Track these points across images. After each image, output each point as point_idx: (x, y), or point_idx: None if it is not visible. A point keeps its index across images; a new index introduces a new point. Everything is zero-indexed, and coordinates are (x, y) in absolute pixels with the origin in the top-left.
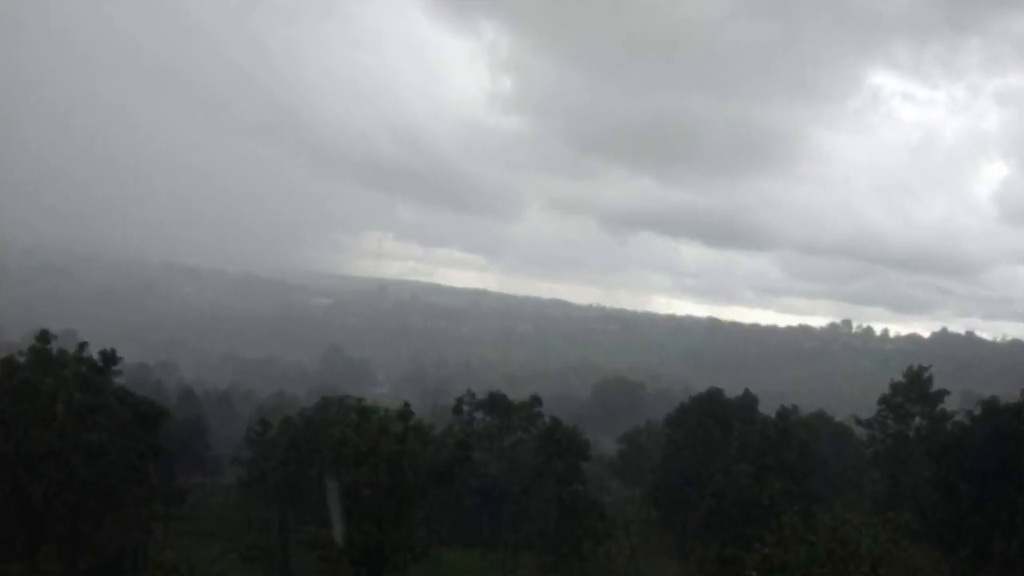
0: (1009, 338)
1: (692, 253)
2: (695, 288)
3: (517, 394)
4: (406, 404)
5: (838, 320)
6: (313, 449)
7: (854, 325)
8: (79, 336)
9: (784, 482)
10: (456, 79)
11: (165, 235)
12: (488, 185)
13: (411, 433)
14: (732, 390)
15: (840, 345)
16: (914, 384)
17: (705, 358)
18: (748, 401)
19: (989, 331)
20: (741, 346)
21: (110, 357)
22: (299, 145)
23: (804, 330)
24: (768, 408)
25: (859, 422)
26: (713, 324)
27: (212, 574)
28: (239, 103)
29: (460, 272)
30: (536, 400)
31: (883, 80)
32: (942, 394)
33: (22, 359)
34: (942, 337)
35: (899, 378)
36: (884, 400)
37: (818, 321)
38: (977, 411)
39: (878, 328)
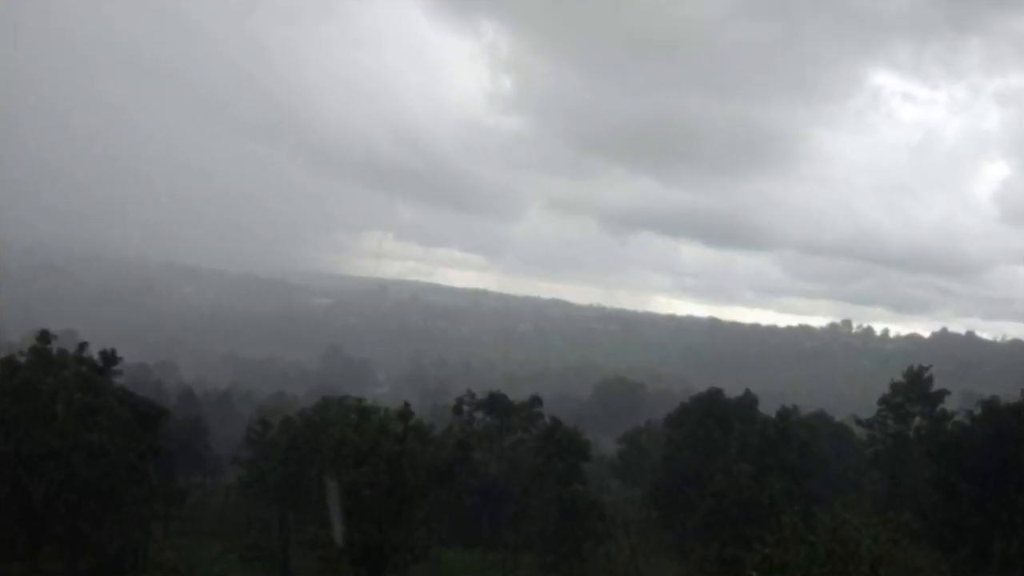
0: (1009, 338)
1: (692, 253)
2: (695, 288)
3: (517, 394)
4: (406, 404)
5: (838, 320)
6: (313, 449)
7: (854, 325)
8: (79, 336)
9: (784, 482)
10: (456, 79)
11: (165, 235)
12: (488, 185)
13: (411, 433)
14: (732, 390)
15: (840, 345)
16: (914, 384)
17: (705, 358)
18: (748, 401)
19: (989, 331)
20: (741, 346)
21: (110, 357)
22: (299, 145)
23: (804, 330)
24: (768, 408)
25: (859, 422)
26: (713, 324)
27: (212, 574)
28: (239, 103)
29: (460, 272)
30: (536, 400)
31: (883, 80)
32: (942, 394)
33: (22, 359)
34: (942, 337)
35: (899, 378)
36: (884, 400)
37: (818, 321)
38: (977, 411)
39: (878, 328)
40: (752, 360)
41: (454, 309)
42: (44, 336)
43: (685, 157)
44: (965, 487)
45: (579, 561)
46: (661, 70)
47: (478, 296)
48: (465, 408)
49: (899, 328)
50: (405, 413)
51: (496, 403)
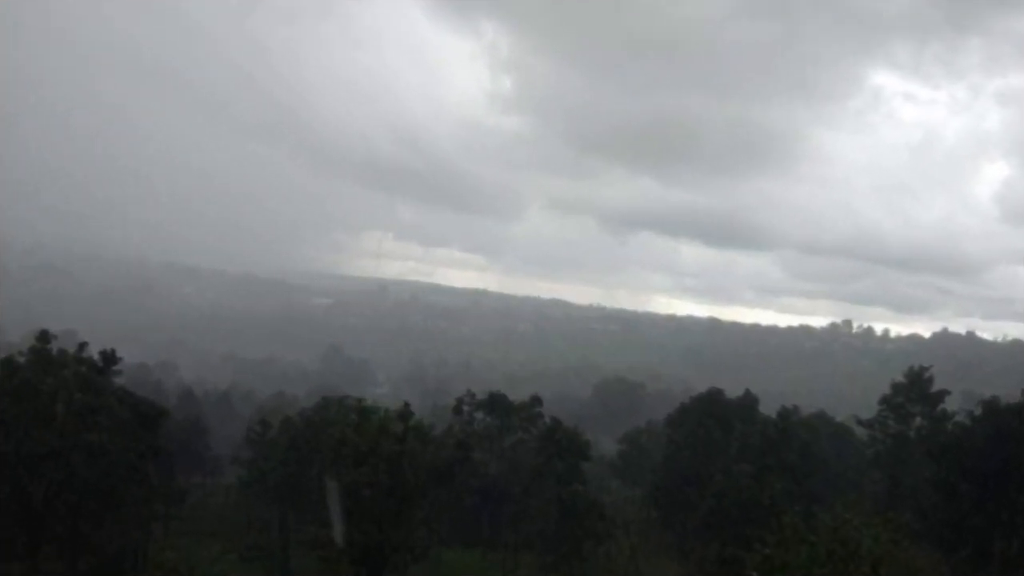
0: (1010, 338)
1: (692, 253)
2: (695, 288)
3: (517, 394)
4: (406, 404)
5: (839, 320)
6: (313, 449)
7: (855, 325)
8: (79, 336)
9: (785, 482)
10: (456, 79)
11: (165, 235)
12: (488, 185)
13: (411, 433)
14: (732, 390)
15: (840, 345)
16: (915, 384)
17: (705, 358)
18: (748, 401)
19: (990, 331)
20: (741, 346)
21: (110, 357)
22: (299, 145)
23: (804, 330)
24: (769, 408)
25: (860, 422)
26: (713, 324)
27: (212, 574)
28: (239, 103)
29: (460, 272)
30: (536, 400)
31: (884, 80)
32: (943, 394)
33: (22, 359)
34: (943, 337)
35: (900, 378)
36: (885, 400)
37: (818, 321)
38: (978, 411)
39: (879, 328)
40: (752, 360)
41: (454, 309)
42: (44, 336)
43: (685, 157)
44: (966, 487)
45: (579, 561)
46: (661, 70)
47: (478, 296)
48: (465, 408)
49: (899, 328)
50: (405, 413)
51: (496, 403)
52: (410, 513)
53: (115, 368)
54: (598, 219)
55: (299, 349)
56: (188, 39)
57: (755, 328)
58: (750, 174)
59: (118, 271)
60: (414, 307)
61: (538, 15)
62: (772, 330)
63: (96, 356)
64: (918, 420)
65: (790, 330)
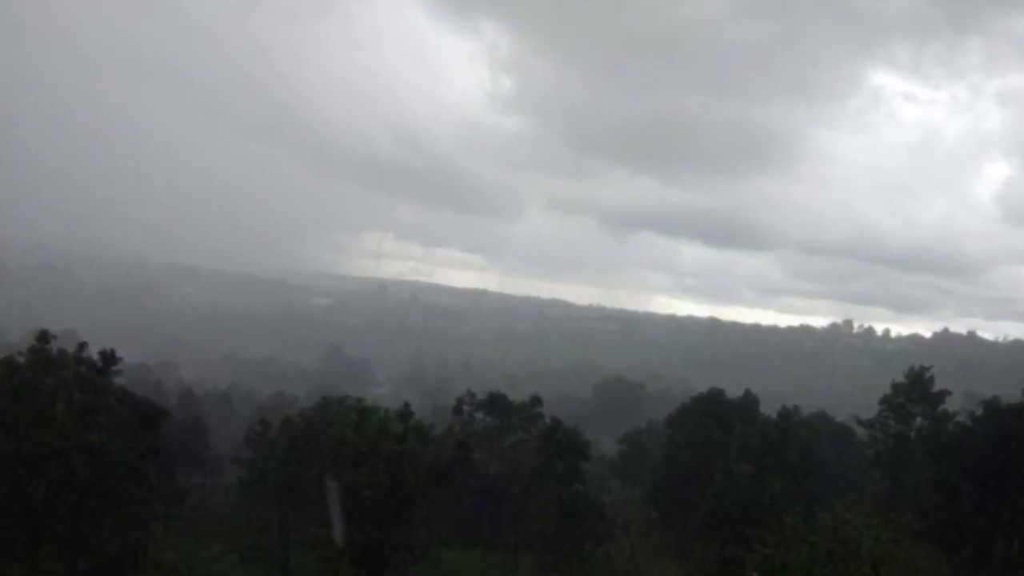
0: (1011, 338)
1: (692, 253)
2: (695, 288)
3: (517, 394)
4: (406, 404)
5: (839, 320)
6: (313, 449)
7: (855, 325)
8: (79, 336)
9: (785, 482)
10: (456, 79)
11: (165, 235)
12: (488, 185)
13: (411, 433)
14: (733, 390)
15: (841, 345)
16: (915, 384)
17: (706, 358)
18: (749, 401)
19: (991, 331)
20: (742, 346)
21: (110, 357)
22: (299, 145)
23: (805, 330)
24: (769, 408)
25: (860, 422)
26: (714, 324)
27: (212, 574)
28: (239, 103)
29: (460, 272)
30: (536, 400)
31: (884, 80)
32: (943, 394)
33: (22, 359)
34: (943, 337)
35: (900, 378)
36: (885, 400)
37: (819, 321)
38: (979, 411)
39: (879, 328)
40: (753, 360)
41: (454, 309)
42: (44, 336)
43: (685, 157)
44: (966, 487)
45: (579, 561)
46: (661, 70)
47: (478, 296)
48: (465, 408)
49: (900, 328)
50: (405, 413)
51: (496, 403)
52: (410, 513)
53: (115, 368)
54: (598, 219)
55: (299, 349)
56: (188, 39)
57: (755, 328)
58: (750, 174)
59: (118, 271)
60: (414, 307)
61: (538, 15)
62: (772, 330)
63: (96, 356)
64: (919, 420)
65: (790, 330)
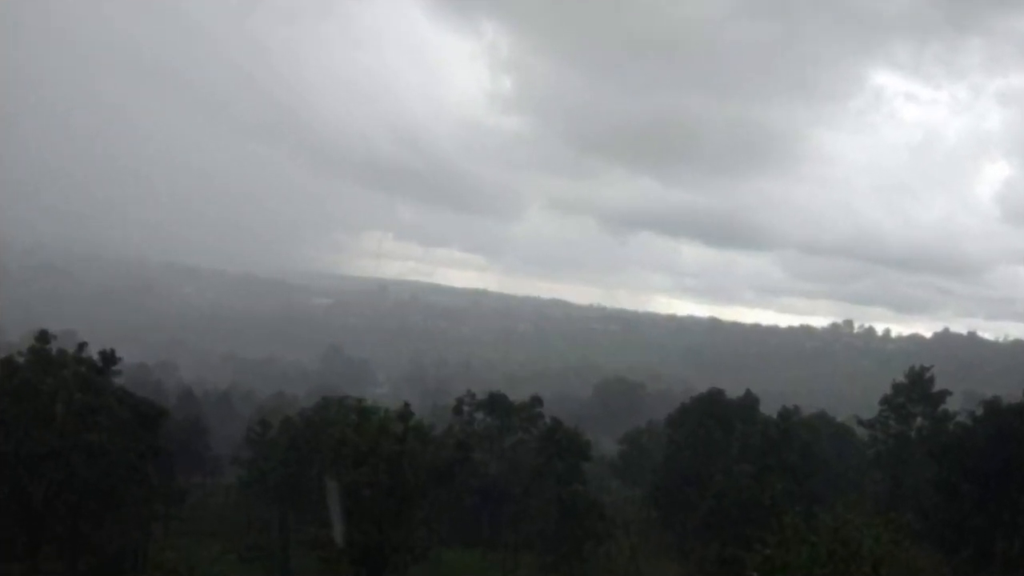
0: (1011, 338)
1: (693, 253)
2: (696, 288)
3: (517, 394)
4: (406, 404)
5: (839, 320)
6: (313, 449)
7: (855, 325)
8: (79, 336)
9: (785, 482)
10: (456, 79)
11: (165, 235)
12: (488, 185)
13: (411, 433)
14: (733, 390)
15: (841, 345)
16: (916, 384)
17: (706, 358)
18: (749, 401)
19: (991, 331)
20: (742, 346)
21: (110, 357)
22: (299, 145)
23: (805, 330)
24: (769, 408)
25: (861, 422)
26: (714, 324)
27: (212, 574)
28: (239, 103)
29: (460, 272)
30: (536, 400)
31: (885, 80)
32: (944, 394)
33: (22, 359)
34: (944, 337)
35: (901, 378)
36: (886, 400)
37: (819, 321)
38: (979, 411)
39: (880, 328)
40: (753, 360)
41: (454, 309)
42: (43, 336)
43: (685, 157)
44: (967, 488)
45: (579, 561)
46: (661, 70)
47: (478, 296)
48: (465, 408)
49: (900, 328)
50: (405, 413)
51: (496, 403)
52: (410, 513)
53: (115, 368)
54: (598, 219)
55: (299, 349)
56: (188, 39)
57: (756, 328)
58: (750, 174)
59: (118, 271)
60: (414, 307)
61: (538, 15)
62: (773, 330)
63: (96, 356)
64: (919, 420)
65: (791, 330)
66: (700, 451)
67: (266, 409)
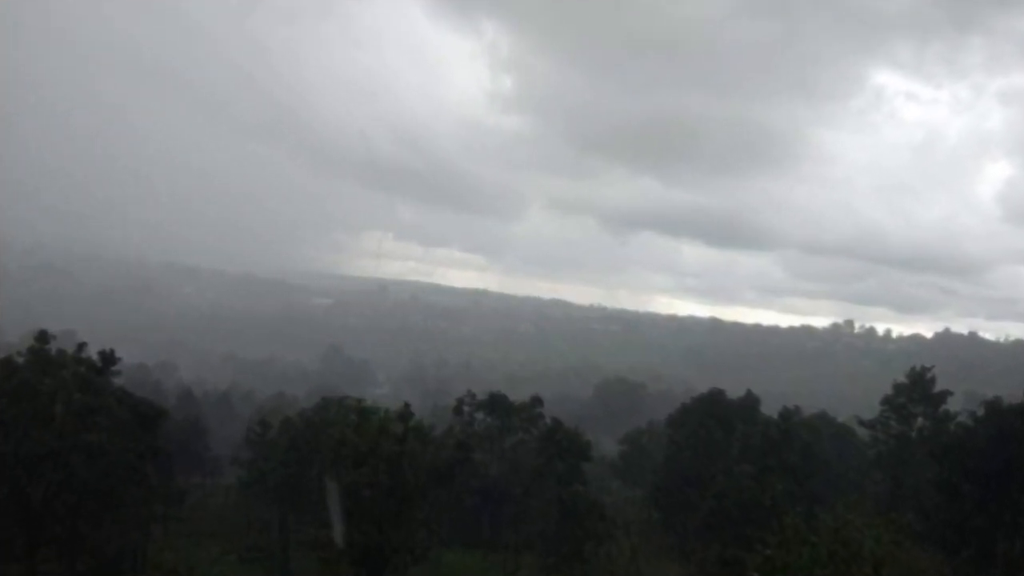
0: (1012, 338)
1: (694, 253)
2: (697, 288)
3: (518, 395)
4: (406, 405)
5: (840, 320)
6: (313, 450)
7: (856, 325)
8: (78, 336)
9: (786, 483)
10: (456, 78)
11: (165, 235)
12: (488, 185)
13: (411, 434)
14: (734, 391)
15: (842, 345)
16: (917, 385)
17: (707, 358)
18: (750, 402)
19: (992, 331)
20: (743, 346)
21: (109, 357)
22: (299, 145)
23: (806, 330)
24: (770, 409)
25: (861, 423)
26: (715, 324)
27: (211, 575)
28: (239, 103)
29: (460, 272)
30: (537, 401)
31: (886, 80)
32: (945, 395)
33: (21, 359)
34: (945, 337)
35: (902, 379)
36: (887, 401)
37: (820, 321)
38: (980, 412)
39: (881, 328)
40: (754, 360)
41: (454, 309)
42: (43, 336)
43: (686, 157)
44: (968, 488)
45: (580, 562)
46: (661, 69)
47: (478, 296)
48: (465, 408)
49: (902, 328)
50: (405, 414)
51: (496, 403)
52: (410, 514)
53: (114, 368)
54: (599, 219)
55: (299, 349)
56: (188, 39)
57: (757, 328)
58: (751, 174)
59: (118, 271)
60: (414, 307)
61: (538, 15)
62: (774, 330)
63: (95, 356)
64: (920, 421)
65: (792, 330)
66: (701, 451)
67: (266, 409)
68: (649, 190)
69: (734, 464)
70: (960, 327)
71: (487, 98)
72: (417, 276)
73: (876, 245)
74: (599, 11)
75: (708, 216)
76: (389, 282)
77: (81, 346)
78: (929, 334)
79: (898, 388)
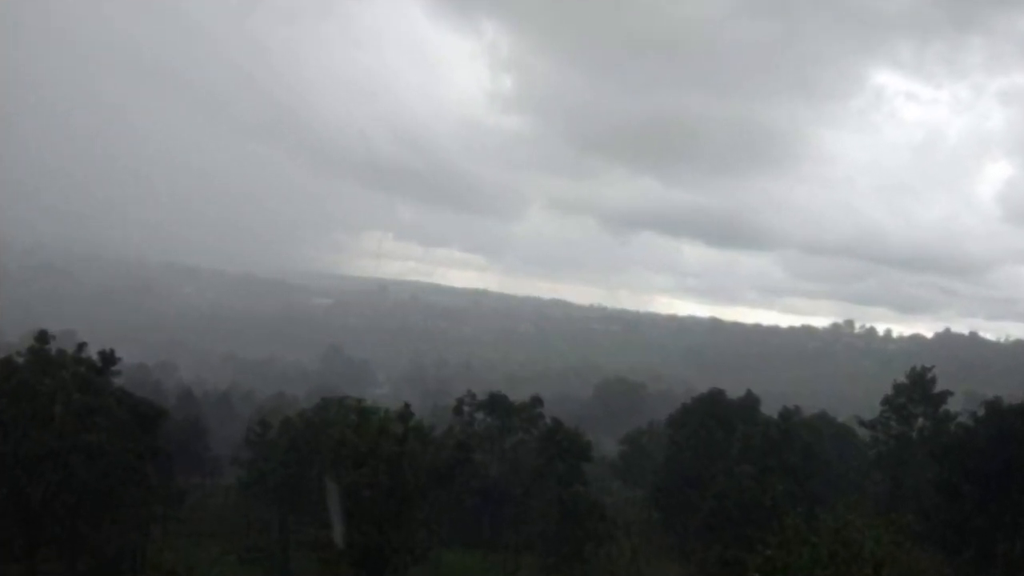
0: (1013, 339)
1: (694, 253)
2: (697, 288)
3: (518, 395)
4: (406, 405)
5: (841, 320)
6: (313, 450)
7: (857, 325)
8: (78, 336)
9: (786, 483)
10: (456, 78)
11: (165, 235)
12: (488, 185)
13: (411, 434)
14: (734, 391)
15: (843, 345)
16: (917, 385)
17: (707, 358)
18: (750, 402)
19: (993, 332)
20: (743, 346)
21: (109, 358)
22: (299, 145)
23: (807, 330)
24: (770, 409)
25: (862, 423)
26: (715, 324)
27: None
28: (239, 103)
29: (460, 272)
30: (537, 401)
31: (886, 79)
32: (945, 395)
33: (21, 359)
34: (945, 338)
35: (902, 379)
36: (887, 401)
37: (821, 321)
38: (980, 412)
39: (881, 328)
40: (754, 361)
41: (454, 309)
42: (42, 336)
43: (686, 157)
44: (968, 488)
45: (580, 563)
46: (661, 69)
47: (478, 296)
48: (465, 409)
49: (902, 328)
50: (405, 414)
51: (497, 404)
52: (410, 514)
53: (114, 368)
54: (599, 219)
55: (299, 349)
56: (188, 39)
57: (757, 328)
58: (752, 174)
59: (118, 271)
60: (414, 307)
61: (538, 14)
62: (774, 330)
63: (95, 356)
64: (920, 421)
65: (792, 330)
66: (701, 452)
67: (266, 409)
68: (649, 190)
69: (734, 464)
70: (960, 327)
71: (487, 98)
72: (417, 276)
73: (876, 245)
74: (599, 11)
75: (708, 216)
76: (389, 282)
77: (81, 346)
78: (929, 334)
79: (898, 388)
